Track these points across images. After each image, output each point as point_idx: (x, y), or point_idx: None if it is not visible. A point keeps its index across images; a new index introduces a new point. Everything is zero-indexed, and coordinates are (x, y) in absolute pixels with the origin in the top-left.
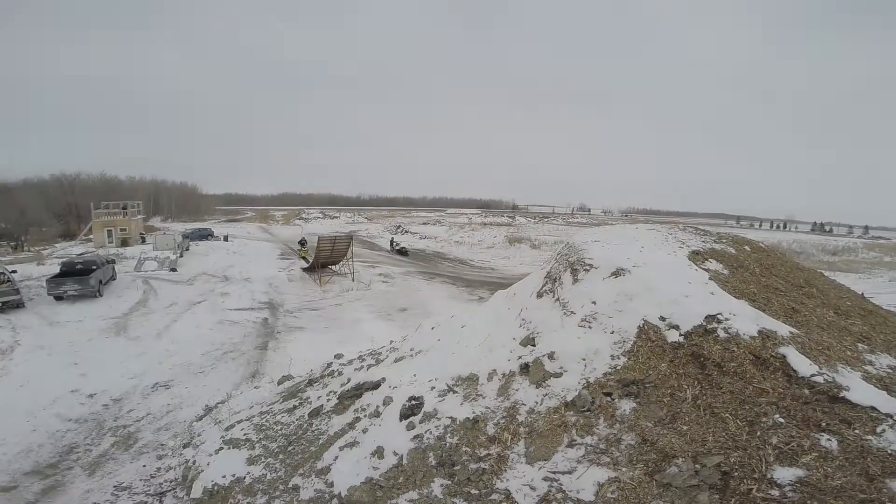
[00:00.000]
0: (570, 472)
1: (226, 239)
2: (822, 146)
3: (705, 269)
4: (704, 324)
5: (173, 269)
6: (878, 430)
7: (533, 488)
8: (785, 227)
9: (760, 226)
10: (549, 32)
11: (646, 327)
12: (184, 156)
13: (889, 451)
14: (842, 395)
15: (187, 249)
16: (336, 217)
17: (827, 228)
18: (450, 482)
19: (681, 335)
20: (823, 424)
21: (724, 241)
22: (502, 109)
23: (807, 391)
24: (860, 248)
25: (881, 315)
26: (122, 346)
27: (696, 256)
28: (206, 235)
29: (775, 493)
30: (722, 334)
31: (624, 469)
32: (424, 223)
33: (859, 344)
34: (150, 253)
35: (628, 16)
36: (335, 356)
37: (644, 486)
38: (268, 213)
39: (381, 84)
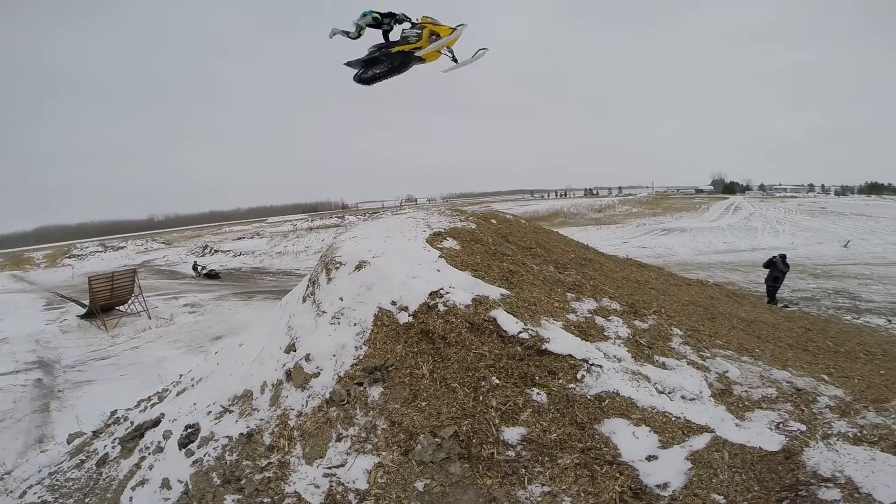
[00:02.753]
0: (342, 465)
1: None
2: (589, 124)
3: (439, 249)
4: (428, 301)
5: None
6: (579, 376)
7: (317, 486)
8: (566, 194)
9: (548, 196)
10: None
11: (380, 314)
12: None
13: (590, 397)
14: (545, 347)
15: None
16: (121, 248)
17: (595, 192)
18: (240, 496)
19: (410, 315)
20: (537, 379)
21: (471, 218)
22: (327, 105)
23: (519, 349)
24: (617, 205)
25: (598, 262)
26: None
27: (436, 238)
28: None
29: (511, 453)
30: (442, 308)
31: (384, 453)
32: (240, 238)
33: (569, 293)
34: None
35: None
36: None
37: (405, 466)
38: (21, 255)
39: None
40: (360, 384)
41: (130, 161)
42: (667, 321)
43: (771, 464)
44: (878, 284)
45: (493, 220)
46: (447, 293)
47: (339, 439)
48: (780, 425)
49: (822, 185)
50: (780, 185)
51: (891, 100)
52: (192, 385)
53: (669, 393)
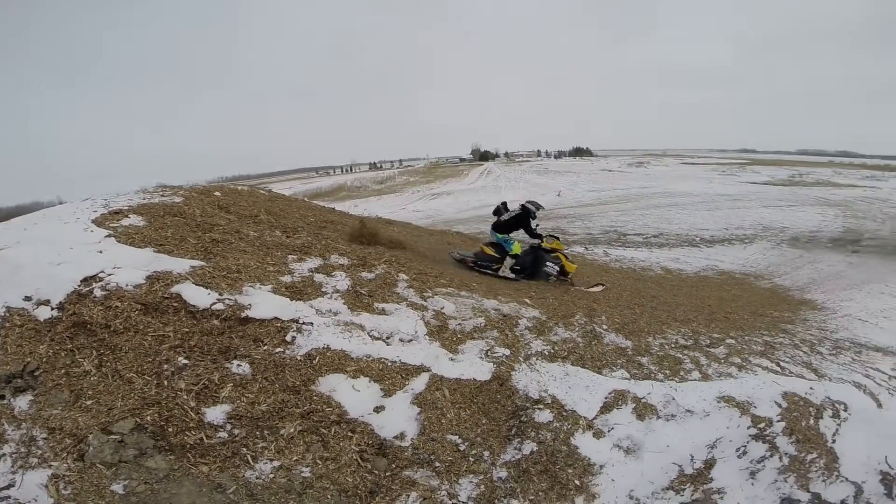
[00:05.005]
0: (12, 486)
1: None
2: (377, 102)
3: (111, 228)
4: (80, 288)
5: None
6: (288, 338)
7: None
8: (351, 170)
9: (334, 172)
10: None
11: (9, 314)
12: None
13: (300, 358)
14: (245, 315)
15: None
16: None
17: (378, 166)
18: None
19: (54, 309)
20: (241, 350)
21: (180, 193)
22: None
23: (216, 322)
24: (397, 176)
25: (341, 222)
26: None
27: (112, 216)
28: None
29: (223, 434)
30: (99, 293)
31: (56, 463)
32: None
33: (291, 256)
34: None
35: None
36: None
37: (89, 471)
38: None
39: None
40: (2, 397)
41: None
42: (396, 269)
43: (490, 393)
44: (579, 221)
45: (217, 193)
46: (109, 275)
47: None
48: (489, 352)
49: (546, 151)
50: (518, 151)
51: (596, 82)
52: None
53: (387, 338)
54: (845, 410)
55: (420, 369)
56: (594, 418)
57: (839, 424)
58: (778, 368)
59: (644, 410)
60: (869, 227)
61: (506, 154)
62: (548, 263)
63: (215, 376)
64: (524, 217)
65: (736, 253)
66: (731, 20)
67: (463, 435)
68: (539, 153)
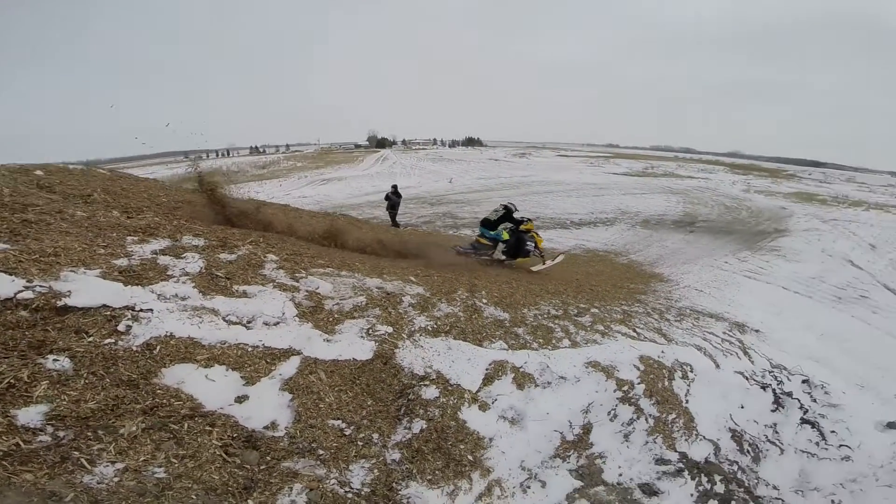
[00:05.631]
0: None
1: None
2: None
3: None
4: None
5: None
6: (122, 328)
7: None
8: (228, 153)
9: (208, 157)
10: None
11: None
12: None
13: (136, 349)
14: (64, 303)
15: None
16: None
17: (261, 150)
18: None
19: None
20: (60, 344)
21: None
22: None
23: (25, 312)
24: (282, 161)
25: (198, 203)
26: None
27: None
28: None
29: (45, 438)
30: None
31: None
32: None
33: (131, 237)
34: None
35: None
36: None
37: None
38: None
39: None
40: None
41: None
42: (264, 249)
43: (374, 373)
44: (468, 206)
45: (39, 172)
46: None
47: None
48: (370, 331)
49: (442, 140)
50: (415, 139)
51: (488, 77)
52: None
53: (248, 322)
54: (692, 371)
55: (289, 353)
56: (478, 391)
57: (689, 385)
58: (634, 334)
59: (523, 380)
60: (702, 212)
61: (403, 142)
62: (527, 243)
63: (24, 374)
64: (508, 213)
65: (599, 234)
66: (601, 24)
67: (347, 419)
68: (435, 142)
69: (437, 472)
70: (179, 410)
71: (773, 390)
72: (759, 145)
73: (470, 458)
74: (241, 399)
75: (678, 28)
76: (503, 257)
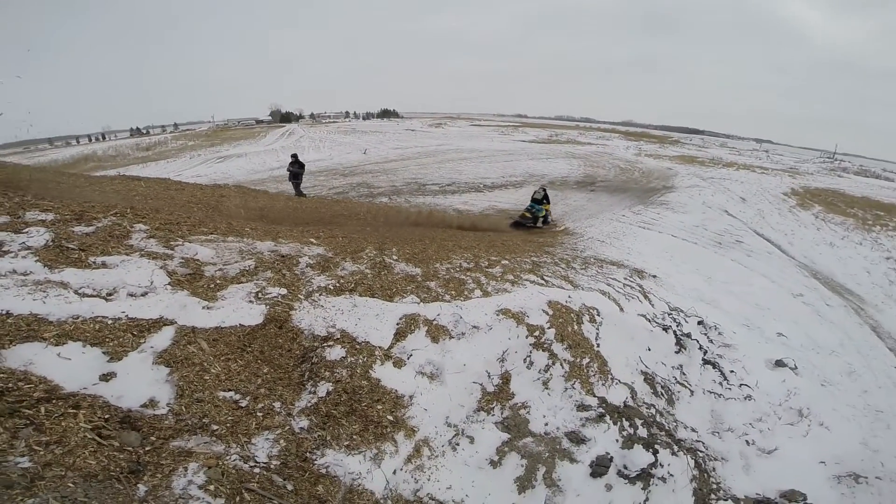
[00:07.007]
0: None
1: None
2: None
3: None
4: None
5: None
6: None
7: None
8: (104, 137)
9: (78, 142)
10: None
11: None
12: None
13: None
14: None
15: None
16: None
17: (145, 131)
18: None
19: None
20: None
21: None
22: None
23: None
24: (170, 140)
25: (50, 181)
26: None
27: None
28: None
29: None
30: None
31: None
32: None
33: None
34: None
35: None
36: None
37: None
38: None
39: None
40: None
41: None
42: (130, 220)
43: (268, 338)
44: (384, 175)
45: None
46: None
47: None
48: (259, 294)
49: (355, 113)
50: (325, 113)
51: (402, 49)
52: None
53: (108, 294)
54: (598, 315)
55: (160, 323)
56: (391, 347)
57: (598, 328)
58: (543, 282)
59: (437, 332)
60: (601, 174)
61: (311, 115)
62: (548, 217)
63: None
64: (546, 195)
65: (510, 195)
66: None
67: (241, 389)
68: (347, 115)
69: (354, 436)
70: (32, 394)
71: (675, 332)
72: (649, 115)
73: (390, 418)
74: (107, 377)
75: (582, 4)
76: (541, 225)
